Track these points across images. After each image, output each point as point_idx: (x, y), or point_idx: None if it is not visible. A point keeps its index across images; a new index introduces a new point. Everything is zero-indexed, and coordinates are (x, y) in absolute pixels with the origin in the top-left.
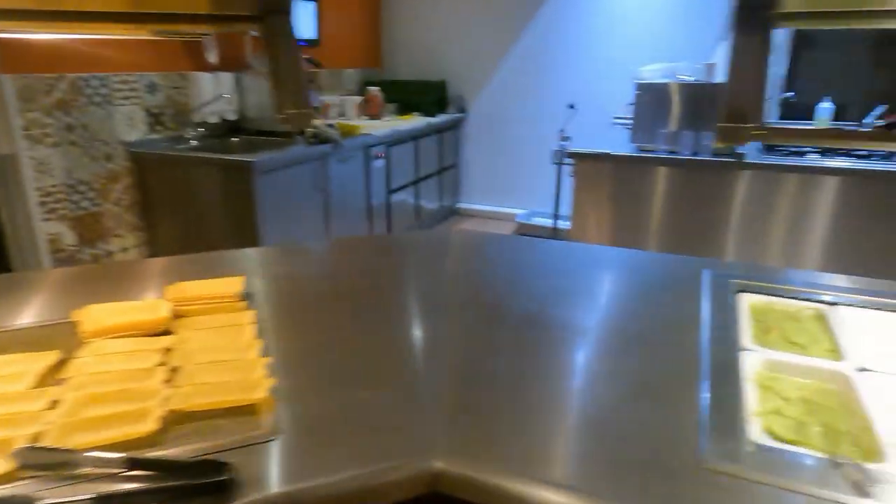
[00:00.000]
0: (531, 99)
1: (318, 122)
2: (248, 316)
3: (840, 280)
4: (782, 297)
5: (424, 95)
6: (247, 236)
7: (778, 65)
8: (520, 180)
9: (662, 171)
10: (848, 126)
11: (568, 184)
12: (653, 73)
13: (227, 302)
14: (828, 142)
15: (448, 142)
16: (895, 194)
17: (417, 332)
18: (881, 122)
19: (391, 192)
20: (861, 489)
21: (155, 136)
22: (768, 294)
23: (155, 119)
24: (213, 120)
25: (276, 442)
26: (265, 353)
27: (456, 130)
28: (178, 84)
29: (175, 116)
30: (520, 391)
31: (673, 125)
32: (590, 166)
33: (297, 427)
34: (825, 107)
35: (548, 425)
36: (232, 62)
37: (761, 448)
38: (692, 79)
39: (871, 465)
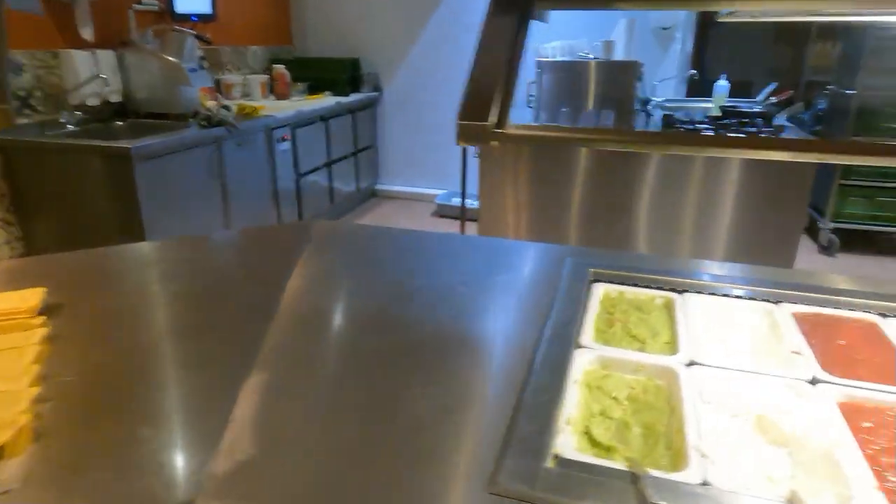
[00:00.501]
0: (447, 76)
1: (210, 103)
2: (37, 336)
3: (701, 266)
4: (636, 286)
5: (337, 74)
6: (132, 230)
7: (685, 42)
8: (438, 160)
9: (564, 151)
10: (741, 103)
11: (475, 164)
12: (553, 50)
13: (19, 319)
14: (588, 143)
15: (363, 122)
16: (789, 177)
17: (230, 348)
18: (773, 99)
19: (301, 175)
20: None
21: (23, 121)
22: (623, 283)
23: (22, 102)
24: (94, 102)
25: (5, 497)
26: (41, 381)
27: (372, 110)
28: (49, 63)
29: (46, 99)
30: (314, 417)
31: (572, 104)
32: (493, 146)
33: (42, 474)
34: (722, 84)
35: (330, 457)
36: (111, 39)
37: (562, 463)
38: (591, 56)
39: (670, 475)
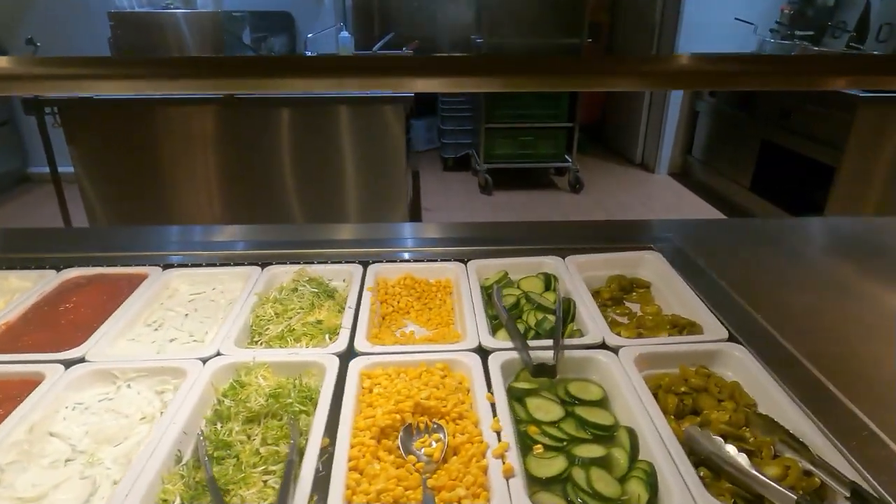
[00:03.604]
0: (87, 20)
1: None
2: None
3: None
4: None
5: None
6: None
7: None
8: None
9: (160, 113)
10: (364, 53)
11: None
12: (130, 1)
13: None
14: None
15: None
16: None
17: None
18: (399, 52)
19: None
20: None
21: None
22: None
23: None
24: None
25: None
26: None
27: None
28: None
29: None
30: None
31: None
32: (77, 114)
33: None
34: (344, 36)
35: None
36: None
37: None
38: (174, 7)
39: None
